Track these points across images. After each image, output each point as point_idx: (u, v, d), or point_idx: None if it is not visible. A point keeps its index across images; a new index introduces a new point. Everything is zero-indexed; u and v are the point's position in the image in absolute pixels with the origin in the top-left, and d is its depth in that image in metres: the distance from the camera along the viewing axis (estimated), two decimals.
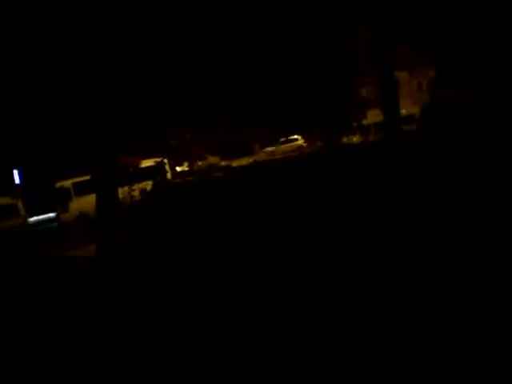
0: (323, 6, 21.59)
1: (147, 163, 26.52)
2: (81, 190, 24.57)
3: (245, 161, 33.68)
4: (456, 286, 5.16)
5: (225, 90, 33.03)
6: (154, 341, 5.59)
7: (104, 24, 11.53)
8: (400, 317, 4.77)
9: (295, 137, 43.00)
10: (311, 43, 27.04)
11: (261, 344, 4.86)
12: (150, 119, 29.37)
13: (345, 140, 32.53)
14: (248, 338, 5.06)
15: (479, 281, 5.13)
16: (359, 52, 29.62)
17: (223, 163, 40.63)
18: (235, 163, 36.70)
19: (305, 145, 40.95)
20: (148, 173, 24.41)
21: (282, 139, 43.07)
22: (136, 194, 14.02)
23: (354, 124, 34.27)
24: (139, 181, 19.10)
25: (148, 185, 15.49)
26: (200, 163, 43.16)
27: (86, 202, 22.36)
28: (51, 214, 28.02)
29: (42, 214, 29.20)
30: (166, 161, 27.36)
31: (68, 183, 26.19)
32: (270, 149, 42.93)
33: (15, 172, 31.69)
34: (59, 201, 26.28)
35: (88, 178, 17.92)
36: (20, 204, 23.16)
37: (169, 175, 26.89)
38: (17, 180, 31.66)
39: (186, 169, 42.46)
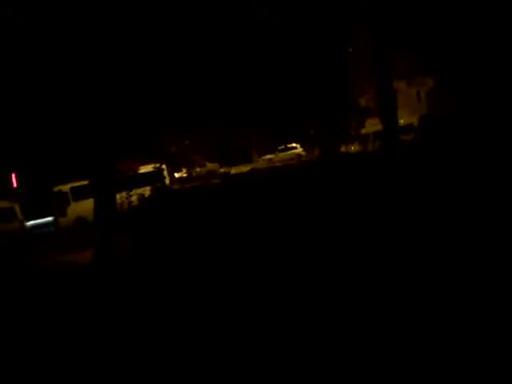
0: (321, 15, 21.71)
1: (146, 169, 26.53)
2: (79, 194, 24.57)
3: (243, 168, 33.73)
4: (457, 290, 5.18)
5: (224, 97, 33.10)
6: (151, 344, 5.59)
7: (104, 27, 11.58)
8: (400, 317, 4.79)
9: (294, 145, 43.10)
10: (311, 52, 27.16)
11: (260, 347, 4.87)
12: (149, 125, 29.40)
13: (343, 149, 32.61)
14: (246, 342, 5.07)
15: (480, 283, 5.15)
16: (358, 61, 29.77)
17: (222, 170, 40.68)
18: (234, 170, 36.74)
19: (303, 153, 41.04)
20: (146, 179, 24.38)
21: (281, 147, 43.16)
22: (134, 199, 14.00)
23: (352, 133, 34.38)
24: (137, 186, 19.09)
25: (146, 190, 15.47)
26: (198, 170, 43.21)
27: (84, 207, 22.36)
28: (49, 218, 27.98)
29: (40, 217, 29.16)
30: (164, 167, 27.36)
31: (66, 187, 26.19)
32: (268, 156, 43.01)
33: (13, 175, 31.67)
34: (57, 205, 26.27)
35: (86, 182, 17.93)
36: (17, 208, 23.11)
37: (167, 181, 26.88)
38: (14, 183, 31.63)
39: (185, 175, 42.49)
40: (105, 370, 5.28)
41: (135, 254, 9.36)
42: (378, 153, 17.93)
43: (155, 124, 31.06)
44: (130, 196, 14.04)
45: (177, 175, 39.03)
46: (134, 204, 13.35)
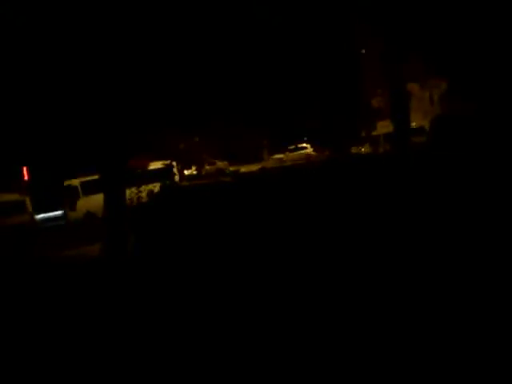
0: (335, 17, 21.67)
1: (155, 165, 26.64)
2: (89, 189, 24.73)
3: (253, 167, 33.75)
4: (470, 291, 5.15)
5: (236, 96, 33.14)
6: (156, 342, 5.61)
7: (108, 25, 11.63)
8: (400, 318, 4.77)
9: (304, 145, 43.07)
10: (325, 53, 27.14)
11: (262, 346, 4.87)
12: (159, 122, 29.50)
13: (354, 150, 32.55)
14: (250, 340, 5.07)
15: (492, 284, 5.12)
16: (371, 63, 29.67)
17: (231, 168, 40.75)
18: (243, 169, 36.78)
19: (313, 153, 41.01)
20: (156, 175, 24.52)
21: (291, 147, 43.14)
22: (143, 195, 14.08)
23: (363, 134, 34.28)
24: (147, 183, 19.19)
25: (155, 187, 15.56)
26: (208, 167, 43.29)
27: (94, 202, 22.50)
28: (58, 212, 28.17)
29: (50, 211, 29.35)
30: (174, 164, 27.46)
31: (76, 182, 26.36)
32: (278, 156, 43.00)
33: (24, 169, 31.92)
34: (67, 199, 26.46)
35: (96, 177, 18.03)
36: (28, 201, 23.30)
37: (176, 178, 26.97)
38: (26, 177, 31.88)
39: (194, 173, 42.64)
40: (110, 363, 5.30)
41: (141, 250, 9.39)
42: (388, 154, 17.86)
43: (166, 121, 31.16)
44: (140, 192, 14.12)
45: (186, 173, 39.15)
46: (143, 200, 13.42)
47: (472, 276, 5.60)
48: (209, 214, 8.92)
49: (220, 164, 43.77)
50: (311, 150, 42.26)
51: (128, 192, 13.20)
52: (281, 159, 41.42)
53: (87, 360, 5.50)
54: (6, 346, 6.47)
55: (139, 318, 6.54)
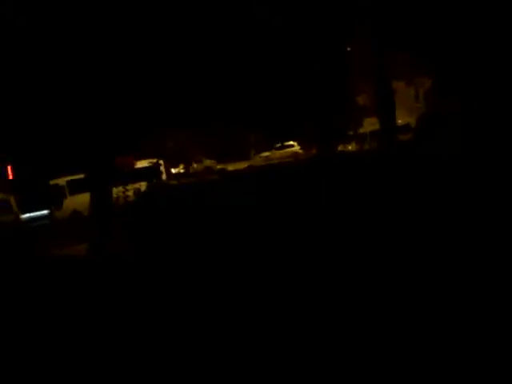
0: (319, 15, 21.72)
1: (142, 164, 26.50)
2: (75, 188, 24.56)
3: (240, 165, 33.75)
4: (459, 289, 5.18)
5: (222, 94, 33.08)
6: (152, 342, 5.58)
7: (103, 25, 11.58)
8: (401, 318, 4.79)
9: (291, 143, 43.09)
10: (309, 51, 27.17)
11: (261, 345, 4.86)
12: (146, 120, 29.39)
13: (340, 148, 32.64)
14: (247, 339, 5.06)
15: (482, 282, 5.16)
16: (357, 60, 29.79)
17: (219, 167, 40.68)
18: (231, 167, 36.75)
19: (300, 151, 41.05)
20: (143, 174, 24.37)
21: (278, 145, 43.14)
22: (130, 194, 14.01)
23: (350, 132, 34.40)
24: (134, 181, 19.08)
25: (142, 186, 15.48)
26: (195, 166, 43.18)
27: (80, 201, 22.35)
28: (44, 212, 27.94)
29: (35, 211, 29.09)
30: (161, 162, 27.34)
31: (63, 181, 26.16)
32: (265, 154, 42.99)
33: (9, 168, 31.59)
34: (53, 198, 26.25)
35: (83, 176, 17.91)
36: (13, 200, 23.06)
37: (164, 177, 26.87)
38: (10, 176, 31.55)
39: (182, 171, 42.47)
40: (103, 364, 5.27)
41: (131, 248, 9.36)
42: (375, 151, 17.96)
43: (153, 119, 31.04)
44: (127, 191, 14.04)
45: (174, 171, 39.01)
46: (129, 199, 13.35)
47: (459, 269, 5.65)
48: (197, 213, 8.91)
49: (207, 162, 43.65)
50: (298, 147, 42.29)
51: (115, 191, 13.14)
52: (268, 157, 41.42)
53: (82, 359, 5.47)
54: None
55: (129, 313, 6.52)
